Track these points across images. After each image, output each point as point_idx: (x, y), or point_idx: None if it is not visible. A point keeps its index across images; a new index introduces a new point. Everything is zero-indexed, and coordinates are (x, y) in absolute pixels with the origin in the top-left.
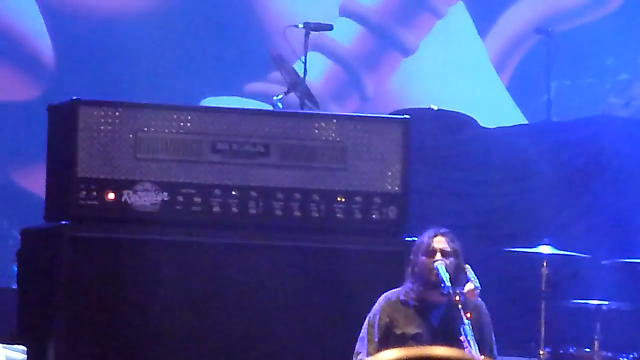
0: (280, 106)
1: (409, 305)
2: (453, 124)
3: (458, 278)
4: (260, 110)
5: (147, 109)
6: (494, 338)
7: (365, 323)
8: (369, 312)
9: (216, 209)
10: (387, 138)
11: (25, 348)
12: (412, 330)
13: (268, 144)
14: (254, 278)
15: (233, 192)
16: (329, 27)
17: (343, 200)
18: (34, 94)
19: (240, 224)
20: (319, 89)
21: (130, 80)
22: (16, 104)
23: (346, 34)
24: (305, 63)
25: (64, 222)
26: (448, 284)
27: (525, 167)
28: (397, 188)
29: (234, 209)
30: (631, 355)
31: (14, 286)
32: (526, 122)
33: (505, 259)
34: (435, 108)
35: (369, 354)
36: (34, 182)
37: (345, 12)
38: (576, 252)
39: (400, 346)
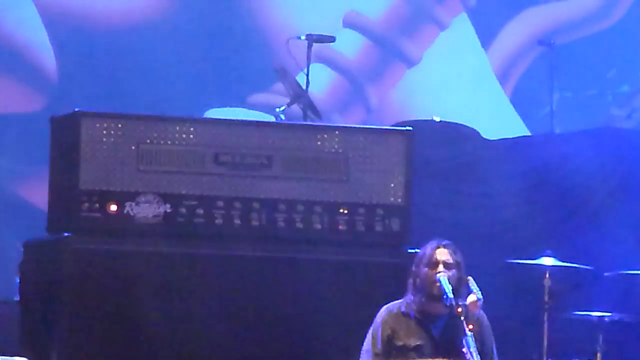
0: (283, 118)
1: (410, 317)
2: (456, 136)
3: (460, 290)
4: (263, 122)
5: (150, 121)
6: (495, 350)
7: (369, 335)
8: (371, 324)
9: (219, 220)
10: (389, 150)
11: None
12: (413, 342)
13: (271, 156)
14: (257, 289)
15: (235, 204)
16: (332, 39)
17: (346, 212)
18: (37, 106)
19: (243, 235)
20: (323, 100)
21: (133, 92)
22: (19, 116)
23: (350, 46)
24: (307, 75)
25: (66, 234)
26: (450, 295)
27: (528, 179)
28: (399, 200)
29: (237, 221)
30: None
31: (17, 298)
32: (529, 134)
33: (507, 271)
34: (438, 120)
35: None
36: (37, 194)
37: (348, 24)
38: (579, 264)
39: (402, 358)
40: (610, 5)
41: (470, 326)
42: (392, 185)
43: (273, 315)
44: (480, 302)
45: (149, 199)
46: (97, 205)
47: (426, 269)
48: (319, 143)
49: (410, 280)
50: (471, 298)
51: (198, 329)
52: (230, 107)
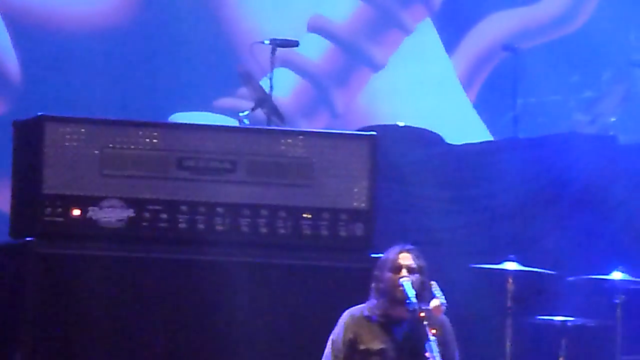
0: (247, 122)
1: (373, 320)
2: (420, 141)
3: (423, 294)
4: (227, 127)
5: (113, 126)
6: (458, 354)
7: (330, 339)
8: (333, 328)
9: (182, 225)
10: (353, 154)
11: None
12: (376, 345)
13: (235, 161)
14: (220, 294)
15: (199, 209)
16: (295, 44)
17: (310, 216)
18: (0, 110)
19: (207, 240)
20: (287, 105)
21: (97, 97)
22: None
23: (315, 50)
24: (271, 79)
25: (29, 239)
26: (414, 300)
27: (492, 184)
28: (363, 205)
29: (201, 226)
30: None
31: None
32: (492, 139)
33: (471, 275)
34: (402, 124)
35: None
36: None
37: (313, 28)
38: (542, 269)
39: None
40: (573, 11)
41: (434, 331)
42: (356, 190)
43: (236, 319)
44: (444, 307)
45: (112, 204)
46: (61, 209)
47: (389, 273)
48: (283, 148)
49: (374, 285)
50: (434, 303)
51: (161, 333)
52: (197, 111)
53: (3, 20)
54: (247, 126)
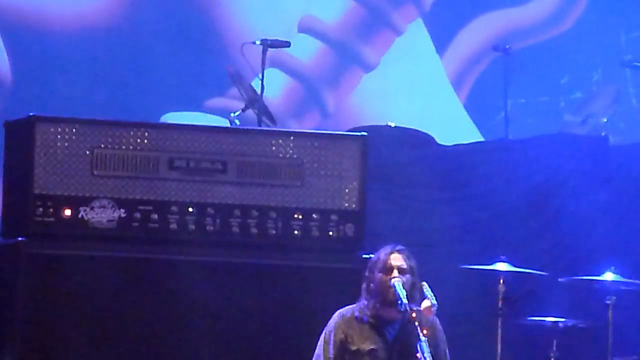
0: (238, 123)
1: (363, 321)
2: (410, 141)
3: (414, 295)
4: (217, 128)
5: (104, 126)
6: (448, 355)
7: (321, 340)
8: (324, 329)
9: (173, 225)
10: (344, 155)
11: None
12: (367, 346)
13: (225, 161)
14: (211, 295)
15: (190, 209)
16: (287, 44)
17: (300, 217)
18: None
19: (198, 240)
20: (278, 105)
21: (88, 97)
22: None
23: (306, 50)
24: (262, 80)
25: (20, 239)
26: (405, 301)
27: (482, 185)
28: (354, 205)
29: (191, 226)
30: None
31: None
32: (482, 140)
33: (462, 276)
34: (393, 125)
35: None
36: None
37: (304, 29)
38: (533, 270)
39: None
40: (563, 12)
41: (425, 331)
42: (347, 190)
43: (225, 320)
44: (435, 308)
45: (103, 204)
46: (51, 209)
47: (380, 274)
48: (273, 148)
49: (364, 286)
50: (425, 303)
51: (151, 333)
52: (188, 111)
53: None
54: (238, 127)
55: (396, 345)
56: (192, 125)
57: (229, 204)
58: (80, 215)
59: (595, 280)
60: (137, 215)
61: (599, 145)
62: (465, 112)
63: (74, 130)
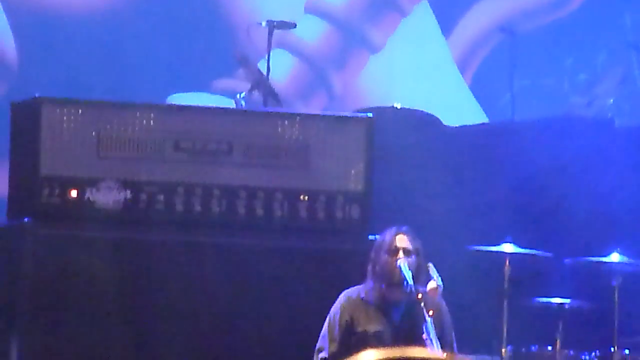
0: (244, 104)
1: (369, 303)
2: (416, 123)
3: (420, 276)
4: (223, 109)
5: (110, 107)
6: (454, 336)
7: (327, 321)
8: (330, 310)
9: (179, 207)
10: (350, 137)
11: None
12: (373, 328)
13: (231, 143)
14: (217, 276)
15: (196, 191)
16: (292, 25)
17: (306, 199)
18: None
19: (204, 222)
20: (284, 87)
21: (94, 79)
22: None
23: (312, 32)
24: (268, 61)
25: (26, 220)
26: (411, 282)
27: (488, 166)
28: (360, 187)
29: (197, 207)
30: (593, 353)
31: None
32: (488, 121)
33: (468, 257)
34: (399, 106)
35: (330, 352)
36: None
37: (310, 10)
38: (539, 251)
39: (362, 344)
40: None
41: (431, 312)
42: (353, 172)
43: (232, 301)
44: (440, 289)
45: (109, 185)
46: (58, 191)
47: (386, 255)
48: (279, 130)
49: (370, 267)
50: (431, 284)
51: (158, 314)
52: (194, 92)
53: (1, 4)
54: (244, 108)
55: (402, 326)
56: (198, 107)
57: (235, 185)
58: (86, 197)
59: (602, 261)
60: (143, 196)
61: (604, 127)
62: (471, 94)
63: (80, 111)
